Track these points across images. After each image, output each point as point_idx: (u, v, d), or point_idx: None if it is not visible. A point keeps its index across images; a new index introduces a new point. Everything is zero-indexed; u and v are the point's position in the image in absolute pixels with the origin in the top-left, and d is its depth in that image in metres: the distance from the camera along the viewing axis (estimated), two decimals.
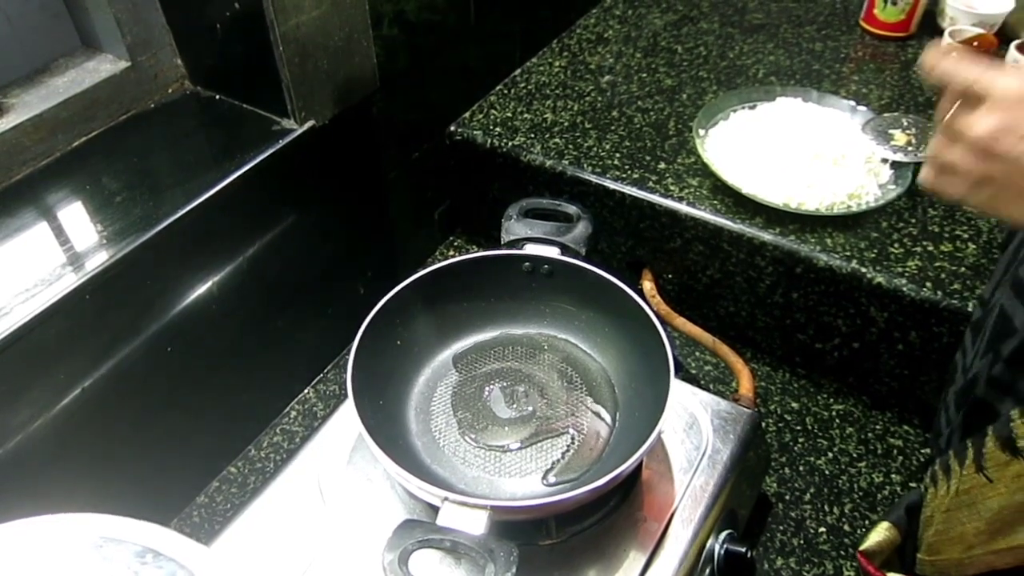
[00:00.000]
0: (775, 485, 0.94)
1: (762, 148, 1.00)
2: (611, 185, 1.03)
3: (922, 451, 0.96)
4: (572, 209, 0.82)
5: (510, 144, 1.09)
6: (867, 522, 0.89)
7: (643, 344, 0.70)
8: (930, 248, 0.92)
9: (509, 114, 1.15)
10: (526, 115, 1.14)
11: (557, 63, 1.24)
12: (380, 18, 0.94)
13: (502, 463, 0.70)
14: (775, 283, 0.98)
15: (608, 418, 0.73)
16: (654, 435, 0.61)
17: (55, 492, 0.76)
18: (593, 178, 1.04)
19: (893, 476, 0.94)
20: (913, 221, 0.95)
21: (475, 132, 1.12)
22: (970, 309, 0.84)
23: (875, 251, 0.91)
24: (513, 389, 0.76)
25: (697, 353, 1.08)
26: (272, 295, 0.96)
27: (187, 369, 0.87)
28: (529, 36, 1.28)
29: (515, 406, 0.74)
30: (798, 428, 1.00)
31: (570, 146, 1.08)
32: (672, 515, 0.70)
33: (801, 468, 0.95)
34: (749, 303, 1.02)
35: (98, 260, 0.72)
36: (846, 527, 0.90)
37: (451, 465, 0.70)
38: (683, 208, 0.99)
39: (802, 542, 0.89)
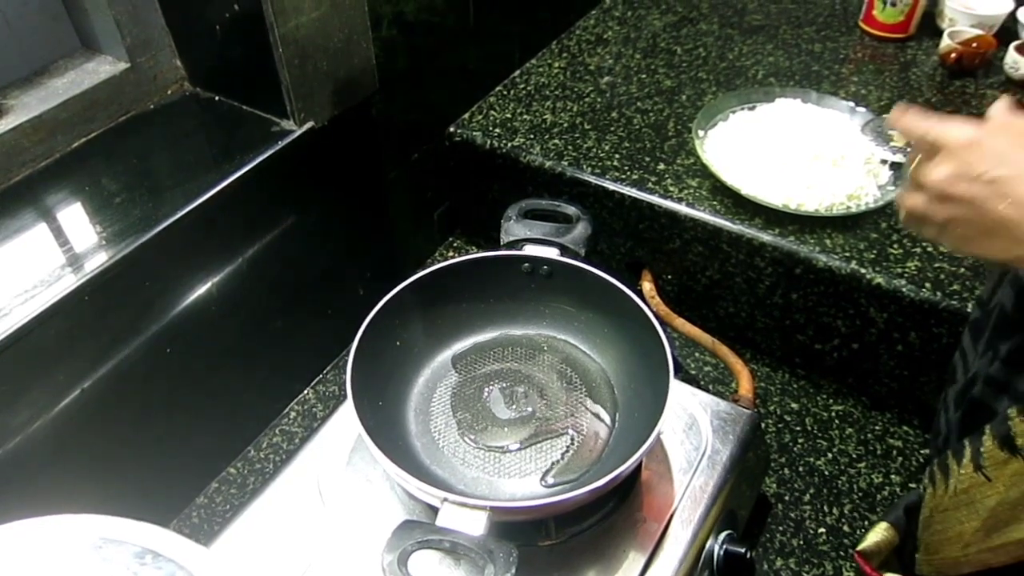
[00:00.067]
0: (775, 486, 0.94)
1: (761, 149, 1.00)
2: (610, 186, 1.03)
3: (922, 451, 0.96)
4: (571, 210, 0.82)
5: (509, 145, 1.10)
6: (866, 523, 0.89)
7: (642, 345, 0.71)
8: (929, 249, 0.92)
9: (508, 115, 1.15)
10: (525, 116, 1.14)
11: (556, 64, 1.24)
12: (379, 19, 0.94)
13: (501, 464, 0.70)
14: (774, 284, 0.98)
15: (607, 419, 0.73)
16: (653, 436, 0.61)
17: (55, 493, 0.76)
18: (592, 179, 1.04)
19: (893, 477, 0.94)
20: None
21: (474, 133, 1.12)
22: (969, 310, 0.84)
23: (874, 252, 0.91)
24: (512, 390, 0.76)
25: (696, 354, 1.08)
26: (272, 296, 0.96)
27: (186, 370, 0.87)
28: (528, 37, 1.28)
29: (514, 407, 0.74)
30: (798, 429, 1.00)
31: (569, 147, 1.08)
32: (671, 516, 0.70)
33: (801, 469, 0.95)
34: (748, 304, 1.02)
35: (97, 261, 0.72)
36: (846, 528, 0.90)
37: (450, 466, 0.70)
38: (682, 209, 0.99)
39: (802, 543, 0.89)
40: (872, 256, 0.91)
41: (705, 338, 1.04)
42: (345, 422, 0.78)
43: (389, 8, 0.95)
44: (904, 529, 0.81)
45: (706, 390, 0.81)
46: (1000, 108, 0.55)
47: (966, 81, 1.16)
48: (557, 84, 1.20)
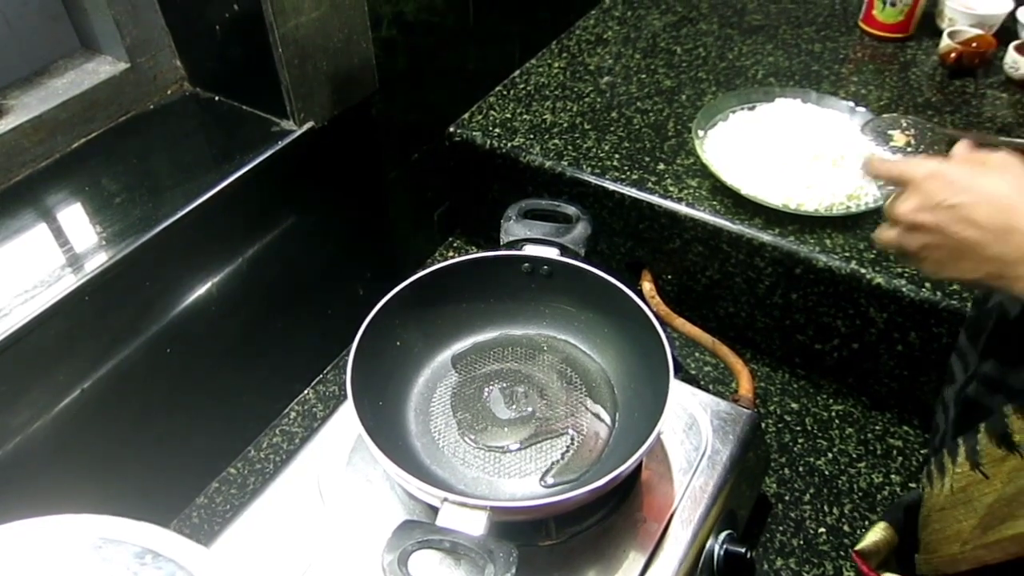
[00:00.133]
0: (775, 486, 0.94)
1: (761, 149, 1.00)
2: (610, 186, 1.03)
3: (922, 451, 0.97)
4: (571, 210, 0.82)
5: (509, 145, 1.10)
6: (867, 523, 0.89)
7: (642, 345, 0.70)
8: None
9: (508, 115, 1.15)
10: (525, 116, 1.14)
11: (556, 64, 1.24)
12: (379, 19, 0.94)
13: (502, 464, 0.70)
14: (774, 284, 0.98)
15: (607, 419, 0.73)
16: (653, 436, 0.61)
17: (55, 493, 0.76)
18: (592, 179, 1.04)
19: (893, 476, 0.94)
20: None
21: (474, 133, 1.12)
22: (968, 309, 0.84)
23: (874, 252, 0.91)
24: (512, 390, 0.76)
25: (696, 354, 1.08)
26: (271, 296, 0.96)
27: (186, 370, 0.87)
28: (528, 37, 1.28)
29: (514, 407, 0.74)
30: (798, 429, 1.00)
31: (569, 147, 1.08)
32: (672, 516, 0.70)
33: (801, 469, 0.95)
34: (748, 304, 1.02)
35: (97, 261, 0.72)
36: (846, 527, 0.90)
37: (451, 466, 0.70)
38: (682, 209, 0.99)
39: (802, 542, 0.89)
40: (872, 256, 0.91)
41: (705, 338, 1.04)
42: (345, 422, 0.78)
43: (389, 8, 0.95)
44: (903, 529, 0.81)
45: (706, 390, 0.81)
46: (961, 147, 0.60)
47: (966, 81, 1.16)
48: (557, 84, 1.20)
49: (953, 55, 1.15)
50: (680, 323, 1.06)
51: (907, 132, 1.02)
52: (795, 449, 0.97)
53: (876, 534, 0.83)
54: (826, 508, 0.91)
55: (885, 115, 1.05)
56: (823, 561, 0.87)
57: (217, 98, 0.92)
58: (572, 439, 0.72)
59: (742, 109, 1.09)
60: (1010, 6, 1.20)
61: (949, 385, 0.72)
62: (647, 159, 1.06)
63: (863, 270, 0.90)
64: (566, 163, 1.06)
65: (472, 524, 0.57)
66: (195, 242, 0.81)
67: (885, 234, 0.61)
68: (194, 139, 0.87)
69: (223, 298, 0.87)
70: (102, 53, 0.86)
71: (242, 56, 0.86)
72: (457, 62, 1.15)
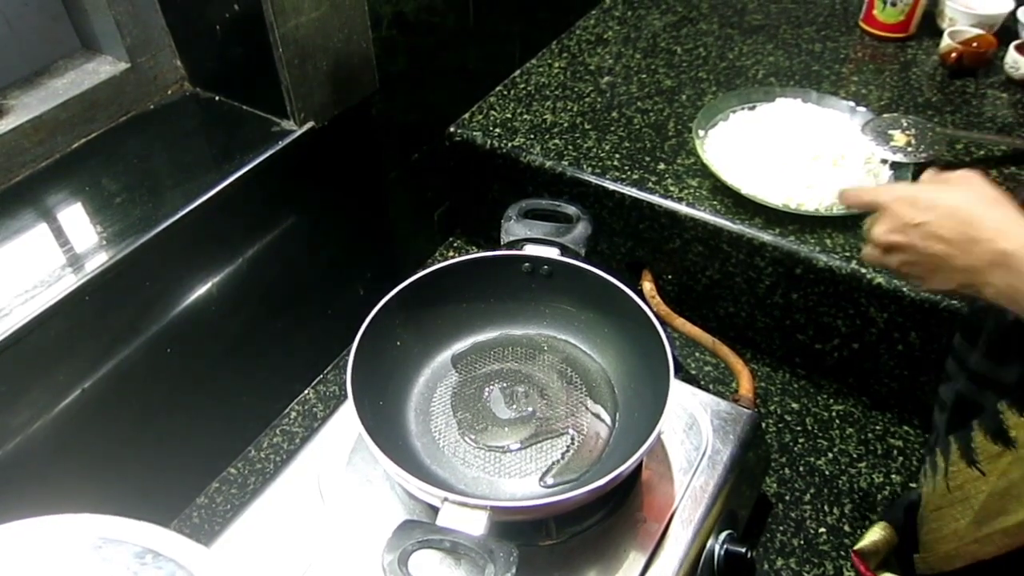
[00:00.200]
0: (775, 486, 0.94)
1: (761, 149, 1.00)
2: (611, 186, 1.03)
3: (922, 451, 0.96)
4: (572, 210, 0.82)
5: (510, 145, 1.10)
6: (867, 522, 0.89)
7: (643, 345, 0.71)
8: None
9: (508, 115, 1.15)
10: (525, 116, 1.14)
11: (556, 64, 1.24)
12: (379, 19, 0.94)
13: (502, 464, 0.70)
14: (775, 284, 0.98)
15: (608, 419, 0.73)
16: (654, 436, 0.61)
17: (55, 493, 0.76)
18: (593, 179, 1.04)
19: (893, 476, 0.94)
20: None
21: (474, 133, 1.12)
22: None
23: None
24: (513, 390, 0.76)
25: (697, 354, 1.08)
26: (272, 296, 0.96)
27: (187, 370, 0.87)
28: (528, 37, 1.28)
29: (515, 407, 0.74)
30: (798, 429, 1.00)
31: (569, 147, 1.08)
32: (672, 516, 0.70)
33: (801, 468, 0.95)
34: (749, 304, 1.02)
35: (98, 261, 0.72)
36: (846, 527, 0.90)
37: (451, 466, 0.70)
38: (683, 209, 0.99)
39: (802, 542, 0.89)
40: None
41: (705, 338, 1.04)
42: (345, 422, 0.78)
43: (389, 8, 0.95)
44: (903, 529, 0.81)
45: (706, 390, 0.81)
46: (928, 172, 0.65)
47: (966, 81, 1.16)
48: (557, 84, 1.20)
49: (954, 55, 1.15)
50: (680, 323, 1.06)
51: (907, 132, 1.02)
52: (795, 449, 0.97)
53: (875, 534, 0.83)
54: (826, 508, 0.91)
55: (885, 115, 1.05)
56: (823, 561, 0.87)
57: (217, 98, 0.92)
58: (572, 439, 0.72)
59: (742, 109, 1.09)
60: (1010, 6, 1.20)
61: (944, 384, 0.72)
62: (647, 159, 1.06)
63: (863, 270, 0.90)
64: (566, 163, 1.06)
65: (472, 524, 0.57)
66: (195, 242, 0.81)
67: (867, 255, 0.66)
68: (194, 139, 0.87)
69: (223, 298, 0.87)
70: (102, 53, 0.86)
71: (242, 56, 0.86)
72: (457, 62, 1.15)
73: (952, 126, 1.07)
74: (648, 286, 1.08)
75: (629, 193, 1.02)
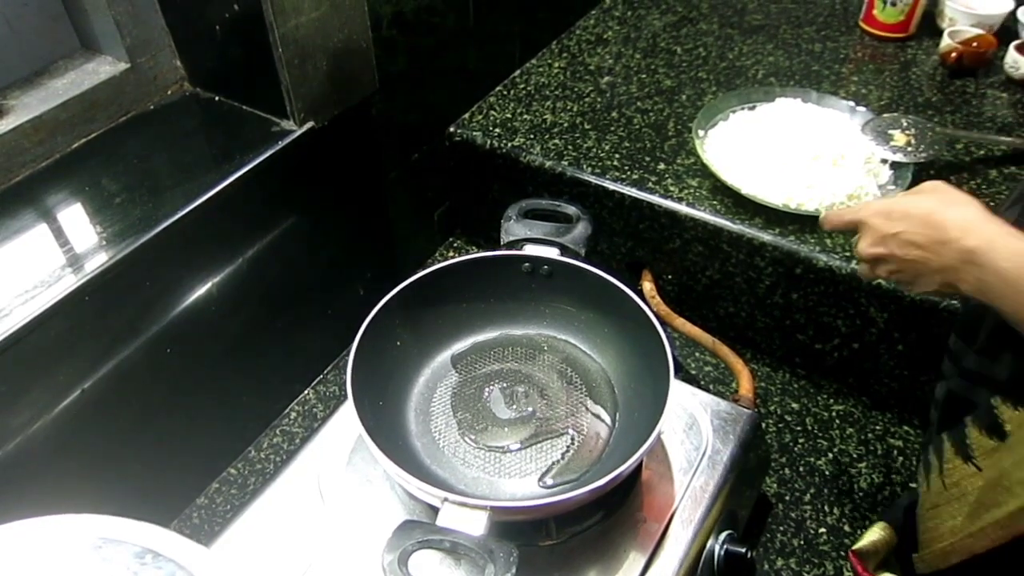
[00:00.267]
0: (775, 486, 0.94)
1: (761, 149, 1.00)
2: (610, 186, 1.03)
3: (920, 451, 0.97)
4: (571, 210, 0.82)
5: (509, 145, 1.10)
6: (867, 523, 0.89)
7: (643, 345, 0.71)
8: None
9: (508, 115, 1.15)
10: (525, 116, 1.14)
11: (556, 64, 1.24)
12: (379, 19, 0.94)
13: (502, 464, 0.70)
14: (775, 284, 0.98)
15: (608, 419, 0.73)
16: (654, 436, 0.61)
17: (55, 493, 0.76)
18: (592, 179, 1.04)
19: (893, 476, 0.94)
20: None
21: (474, 133, 1.12)
22: None
23: None
24: (513, 390, 0.76)
25: (697, 354, 1.08)
26: (272, 296, 0.96)
27: (187, 370, 0.87)
28: (528, 37, 1.28)
29: (515, 407, 0.74)
30: (798, 429, 1.00)
31: (569, 147, 1.08)
32: (672, 516, 0.70)
33: (801, 469, 0.95)
34: (749, 304, 1.02)
35: (97, 261, 0.72)
36: (846, 527, 0.90)
37: (451, 466, 0.70)
38: (683, 209, 0.99)
39: (802, 543, 0.89)
40: None
41: (705, 338, 1.04)
42: (345, 422, 0.78)
43: (389, 8, 0.95)
44: (903, 529, 0.81)
45: (706, 390, 0.81)
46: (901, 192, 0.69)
47: (966, 81, 1.16)
48: (557, 84, 1.20)
49: (953, 55, 1.15)
50: (680, 323, 1.06)
51: (907, 132, 1.02)
52: (795, 449, 0.97)
53: (874, 534, 0.83)
54: (826, 508, 0.91)
55: (885, 115, 1.05)
56: (823, 561, 0.87)
57: (217, 98, 0.92)
58: (572, 439, 0.72)
59: (742, 109, 1.09)
60: (1010, 6, 1.20)
61: (939, 383, 0.73)
62: (647, 159, 1.06)
63: None
64: (566, 163, 1.06)
65: (472, 524, 0.57)
66: (195, 242, 0.81)
67: (860, 272, 0.71)
68: (194, 139, 0.87)
69: (223, 298, 0.87)
70: (102, 53, 0.86)
71: (242, 56, 0.86)
72: (457, 62, 1.15)
73: (952, 126, 1.07)
74: (648, 286, 1.08)
75: (629, 193, 1.02)
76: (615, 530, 0.69)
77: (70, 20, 0.85)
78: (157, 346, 0.82)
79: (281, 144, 0.86)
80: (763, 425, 0.99)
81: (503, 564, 0.54)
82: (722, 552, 0.73)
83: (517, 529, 0.67)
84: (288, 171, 0.89)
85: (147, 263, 0.76)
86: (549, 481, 0.69)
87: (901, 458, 0.96)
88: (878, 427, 0.99)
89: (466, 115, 1.15)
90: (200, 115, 0.90)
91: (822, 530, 0.89)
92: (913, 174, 0.97)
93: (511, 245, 0.80)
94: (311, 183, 0.96)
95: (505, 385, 0.76)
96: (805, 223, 0.95)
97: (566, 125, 1.12)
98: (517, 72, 1.23)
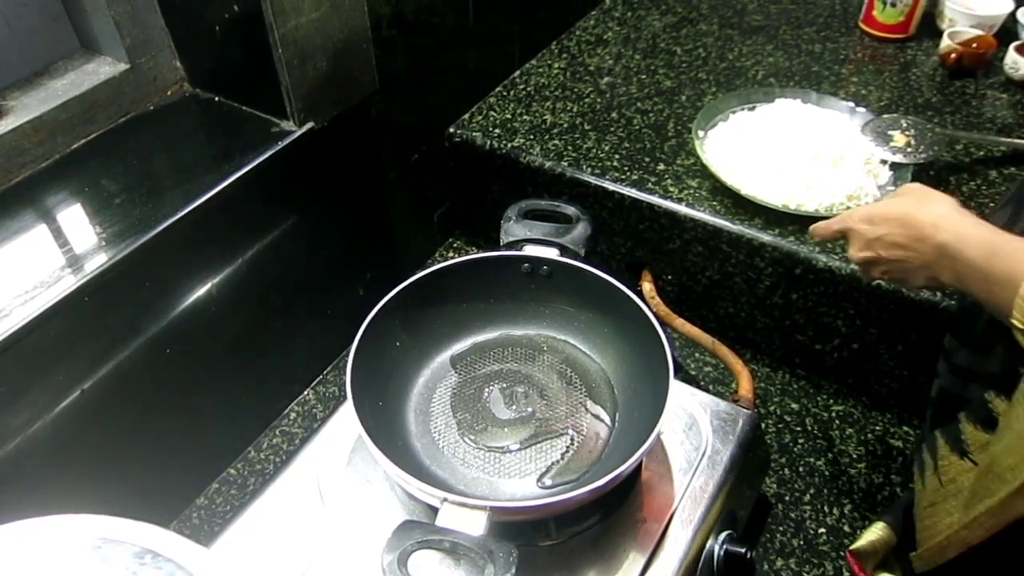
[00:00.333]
0: (775, 486, 0.94)
1: (761, 149, 1.00)
2: (610, 186, 1.03)
3: None
4: (571, 210, 0.82)
5: (509, 146, 1.10)
6: (867, 523, 0.89)
7: (642, 345, 0.71)
8: None
9: (508, 116, 1.15)
10: (525, 117, 1.14)
11: (556, 65, 1.24)
12: (379, 20, 0.94)
13: (501, 464, 0.70)
14: (774, 284, 0.98)
15: (607, 419, 0.73)
16: (653, 436, 0.61)
17: (54, 493, 0.76)
18: (592, 179, 1.04)
19: (893, 477, 0.94)
20: None
21: (474, 134, 1.12)
22: None
23: None
24: (512, 390, 0.76)
25: (696, 354, 1.08)
26: (271, 297, 0.96)
27: (186, 371, 0.87)
28: (528, 38, 1.28)
29: (514, 407, 0.74)
30: (798, 429, 1.00)
31: (569, 147, 1.08)
32: (672, 516, 0.70)
33: (801, 469, 0.95)
34: (748, 304, 1.02)
35: (97, 262, 0.72)
36: (846, 528, 0.90)
37: (450, 466, 0.70)
38: (682, 209, 0.99)
39: (802, 543, 0.89)
40: None
41: (705, 338, 1.04)
42: (345, 423, 0.78)
43: (389, 8, 0.95)
44: (902, 529, 0.81)
45: (706, 390, 0.81)
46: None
47: (966, 81, 1.16)
48: (557, 84, 1.20)
49: (953, 56, 1.15)
50: (680, 323, 1.06)
51: (907, 132, 1.02)
52: (795, 449, 0.97)
53: (873, 534, 0.83)
54: (826, 508, 0.91)
55: (885, 115, 1.05)
56: (823, 561, 0.87)
57: (217, 99, 0.92)
58: (572, 439, 0.72)
59: (742, 109, 1.09)
60: (1010, 7, 1.20)
61: (934, 381, 0.73)
62: (647, 159, 1.06)
63: None
64: (566, 163, 1.06)
65: (472, 524, 0.57)
66: (195, 242, 0.81)
67: (860, 276, 0.75)
68: (194, 139, 0.87)
69: (223, 298, 0.87)
70: (102, 54, 0.87)
71: (242, 57, 0.86)
72: (457, 62, 1.15)
73: (952, 127, 1.07)
74: (648, 286, 1.08)
75: (629, 194, 1.02)
76: (615, 530, 0.69)
77: (70, 20, 0.85)
78: (157, 346, 0.82)
79: (281, 144, 0.86)
80: (763, 425, 0.99)
81: (503, 564, 0.54)
82: (722, 552, 0.73)
83: (517, 529, 0.67)
84: (288, 171, 0.89)
85: (147, 263, 0.76)
86: (548, 481, 0.69)
87: (901, 458, 0.96)
88: (878, 427, 0.99)
89: (466, 116, 1.15)
90: (200, 115, 0.90)
91: (822, 530, 0.89)
92: (913, 175, 0.97)
93: (511, 245, 0.80)
94: (311, 183, 0.96)
95: (505, 385, 0.76)
96: (805, 223, 0.94)
97: (566, 126, 1.12)
98: (517, 73, 1.23)
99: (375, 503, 0.72)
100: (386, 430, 0.69)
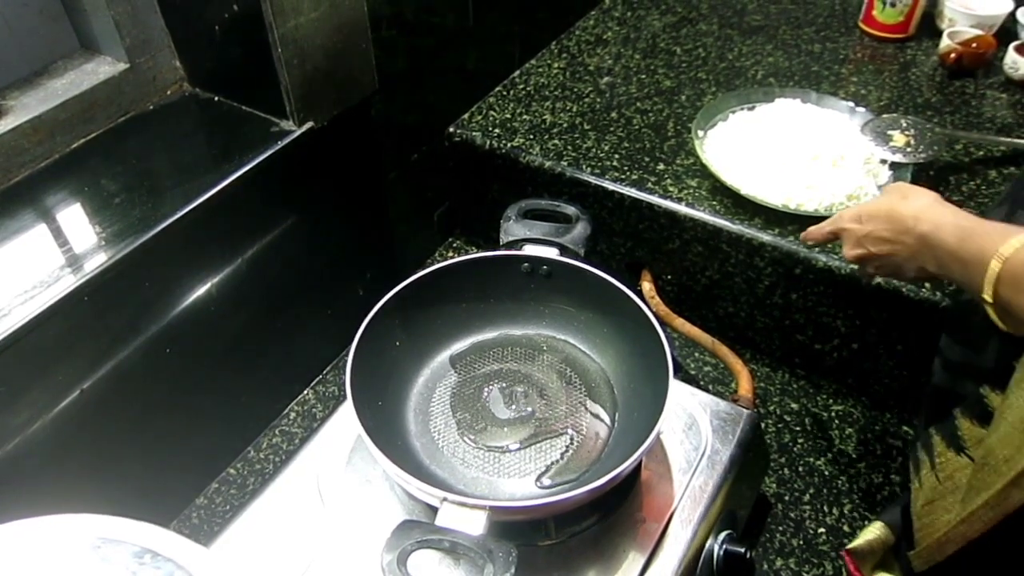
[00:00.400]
0: (774, 486, 0.94)
1: (761, 149, 1.00)
2: (610, 186, 1.03)
3: None
4: (571, 210, 0.82)
5: (509, 145, 1.10)
6: (866, 523, 0.89)
7: (642, 345, 0.71)
8: None
9: (508, 115, 1.15)
10: (525, 116, 1.14)
11: (556, 64, 1.24)
12: (379, 19, 0.94)
13: (501, 464, 0.70)
14: (774, 284, 0.98)
15: (607, 419, 0.73)
16: (653, 435, 0.61)
17: (54, 493, 0.76)
18: (592, 179, 1.04)
19: (893, 476, 0.94)
20: None
21: (474, 133, 1.12)
22: None
23: None
24: (512, 390, 0.76)
25: (696, 354, 1.08)
26: (271, 296, 0.96)
27: (186, 370, 0.87)
28: (528, 37, 1.28)
29: (514, 407, 0.74)
30: (797, 429, 1.00)
31: (569, 147, 1.08)
32: (671, 516, 0.70)
33: (800, 469, 0.95)
34: (748, 304, 1.02)
35: (97, 261, 0.72)
36: (845, 528, 0.90)
37: (450, 466, 0.70)
38: (682, 209, 0.99)
39: (801, 543, 0.89)
40: None
41: (705, 338, 1.04)
42: (345, 422, 0.78)
43: (388, 8, 0.95)
44: (902, 529, 0.81)
45: (706, 390, 0.81)
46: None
47: (966, 81, 1.16)
48: (557, 84, 1.20)
49: (953, 55, 1.15)
50: (680, 323, 1.06)
51: (907, 132, 1.02)
52: (795, 449, 0.97)
53: (871, 533, 0.83)
54: (826, 508, 0.91)
55: (885, 115, 1.05)
56: (823, 561, 0.87)
57: (217, 98, 0.92)
58: (572, 439, 0.72)
59: (742, 109, 1.09)
60: (1010, 6, 1.20)
61: (930, 379, 0.73)
62: (647, 159, 1.06)
63: None
64: (566, 163, 1.06)
65: (471, 524, 0.57)
66: (195, 242, 0.81)
67: (858, 273, 0.76)
68: (194, 139, 0.87)
69: (223, 298, 0.87)
70: (101, 53, 0.87)
71: (242, 56, 0.86)
72: (457, 62, 1.15)
73: (951, 126, 1.07)
74: (647, 286, 1.08)
75: (628, 193, 1.02)
76: (614, 530, 0.69)
77: (69, 20, 0.85)
78: (157, 346, 0.82)
79: (280, 144, 0.86)
80: (762, 425, 0.99)
81: (502, 564, 0.54)
82: (721, 552, 0.73)
83: (516, 529, 0.67)
84: (287, 171, 0.89)
85: (146, 263, 0.76)
86: (548, 481, 0.69)
87: (900, 458, 0.96)
88: (877, 427, 0.99)
89: (466, 115, 1.15)
90: (199, 115, 0.90)
91: (821, 530, 0.89)
92: (912, 175, 0.97)
93: (510, 245, 0.80)
94: (311, 183, 0.96)
95: (504, 385, 0.76)
96: (804, 223, 0.94)
97: (566, 125, 1.12)
98: (517, 72, 1.23)
99: (375, 503, 0.72)
100: (386, 430, 0.69)
